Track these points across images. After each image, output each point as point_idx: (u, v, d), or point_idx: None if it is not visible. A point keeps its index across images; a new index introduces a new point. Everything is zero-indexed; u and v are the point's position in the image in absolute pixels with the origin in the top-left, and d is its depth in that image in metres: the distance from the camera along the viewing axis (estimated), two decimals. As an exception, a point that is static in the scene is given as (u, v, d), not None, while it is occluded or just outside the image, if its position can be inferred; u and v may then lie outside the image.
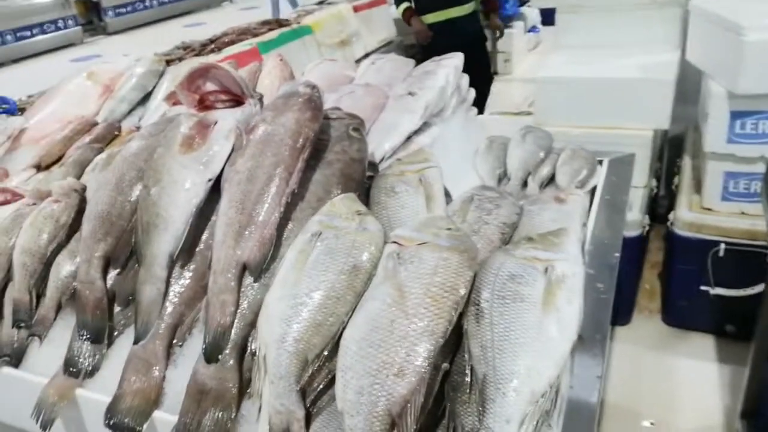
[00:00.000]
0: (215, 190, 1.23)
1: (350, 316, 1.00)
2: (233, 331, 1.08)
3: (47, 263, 1.29)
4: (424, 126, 1.67)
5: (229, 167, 1.23)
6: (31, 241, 1.28)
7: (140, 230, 1.21)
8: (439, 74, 1.74)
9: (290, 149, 1.21)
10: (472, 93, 1.94)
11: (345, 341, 0.96)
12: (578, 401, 0.99)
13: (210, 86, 1.38)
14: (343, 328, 0.99)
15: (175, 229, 1.18)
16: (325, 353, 0.99)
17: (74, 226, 1.33)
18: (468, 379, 0.87)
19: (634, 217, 2.68)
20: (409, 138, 1.62)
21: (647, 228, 2.75)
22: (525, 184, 1.73)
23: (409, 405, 0.85)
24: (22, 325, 1.26)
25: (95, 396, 1.15)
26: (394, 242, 1.08)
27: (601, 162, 1.83)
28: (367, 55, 4.24)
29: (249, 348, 1.09)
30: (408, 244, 1.05)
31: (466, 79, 1.89)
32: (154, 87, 2.22)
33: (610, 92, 2.71)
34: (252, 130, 1.27)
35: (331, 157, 1.31)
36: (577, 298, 0.92)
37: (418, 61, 1.94)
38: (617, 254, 1.45)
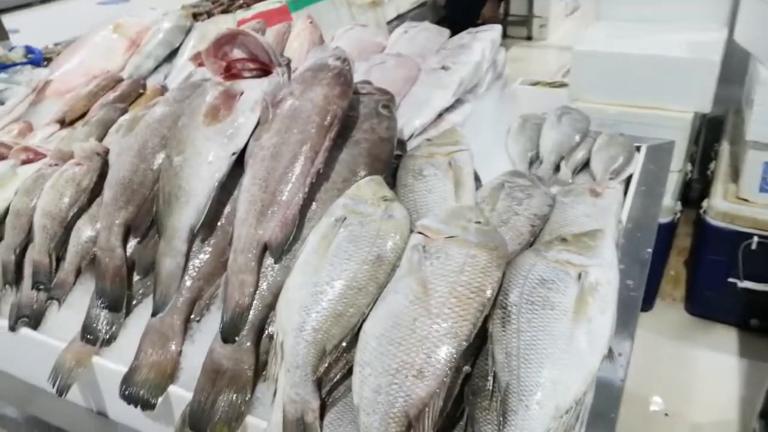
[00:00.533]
0: (239, 163, 1.20)
1: (371, 308, 0.97)
2: (251, 312, 1.07)
3: (68, 227, 1.28)
4: (457, 103, 1.61)
5: (254, 141, 1.19)
6: (52, 203, 1.27)
7: (161, 201, 1.19)
8: (475, 48, 1.67)
9: (317, 127, 1.16)
10: (509, 69, 1.86)
11: (365, 335, 0.93)
12: (599, 410, 0.96)
13: (237, 53, 1.33)
14: (363, 320, 0.97)
15: (197, 203, 1.15)
16: (344, 344, 0.97)
17: (96, 189, 1.31)
18: (490, 385, 0.85)
19: (666, 203, 2.60)
20: (440, 115, 1.57)
21: (679, 215, 2.67)
22: (557, 168, 1.67)
23: (427, 408, 0.83)
24: (41, 287, 1.26)
25: (111, 365, 1.15)
26: (420, 233, 1.04)
27: (638, 149, 1.76)
28: (399, 17, 4.11)
29: (266, 330, 1.08)
30: (434, 237, 1.01)
31: (502, 53, 1.81)
32: (181, 43, 2.16)
33: (651, 70, 2.59)
34: (279, 103, 1.22)
35: (359, 135, 1.26)
36: (611, 308, 0.88)
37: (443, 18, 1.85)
38: (650, 250, 1.40)
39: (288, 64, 1.78)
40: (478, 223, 1.03)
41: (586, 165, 1.67)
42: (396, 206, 1.08)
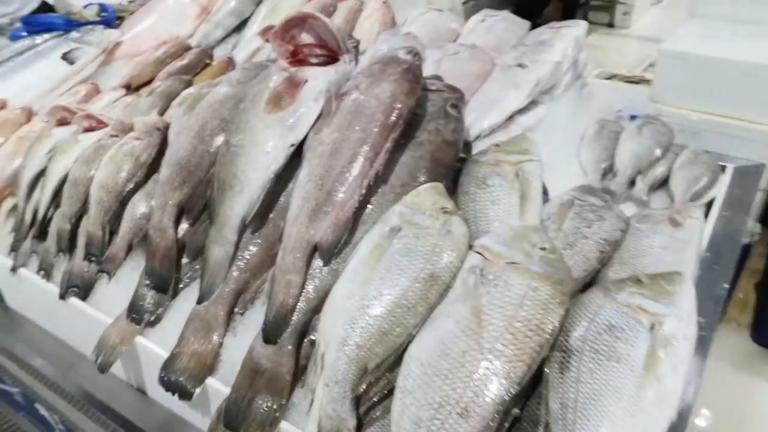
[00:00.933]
0: (297, 153, 1.16)
1: (419, 330, 0.92)
2: (295, 315, 1.03)
3: (123, 201, 1.28)
4: (530, 104, 1.51)
5: (314, 135, 1.14)
6: (109, 177, 1.26)
7: (216, 187, 1.16)
8: (556, 47, 1.55)
9: (380, 126, 1.10)
10: (589, 70, 1.73)
11: (409, 359, 0.88)
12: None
13: (305, 37, 1.27)
14: (410, 341, 0.91)
15: (251, 194, 1.12)
16: (387, 364, 0.92)
17: (154, 165, 1.30)
18: (540, 436, 0.78)
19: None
20: (511, 116, 1.47)
21: (757, 237, 2.48)
22: (632, 182, 1.55)
23: (468, 451, 0.78)
24: (93, 259, 1.26)
25: (154, 347, 1.14)
26: (479, 253, 0.97)
27: (723, 168, 1.61)
28: (476, -2, 3.94)
29: (309, 335, 1.04)
30: (494, 260, 0.94)
31: (585, 52, 1.69)
32: (251, 14, 2.12)
33: (746, 79, 2.37)
34: (343, 96, 1.17)
35: (423, 136, 1.19)
36: (684, 366, 0.79)
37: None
38: (727, 285, 1.29)
39: (356, 46, 1.73)
40: (543, 249, 0.96)
41: (664, 182, 1.54)
42: (456, 221, 1.02)
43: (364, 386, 0.92)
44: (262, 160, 1.12)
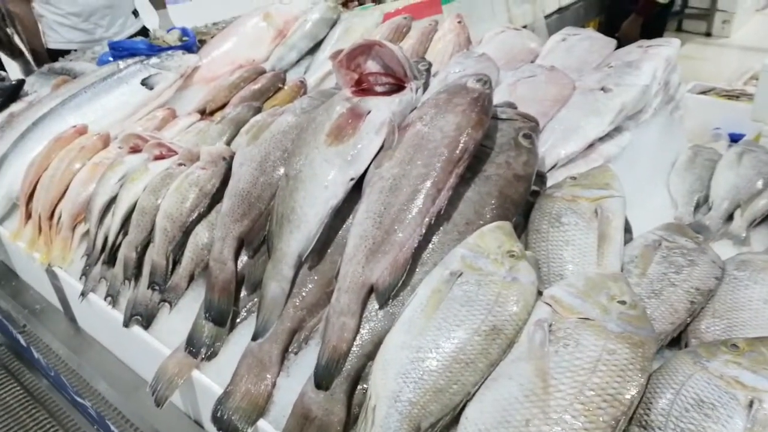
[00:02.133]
0: (358, 187, 1.11)
1: (478, 388, 0.84)
2: (348, 360, 0.98)
3: (187, 231, 1.28)
4: (614, 131, 1.39)
5: (374, 169, 1.09)
6: (174, 207, 1.27)
7: (275, 221, 1.13)
8: (644, 69, 1.43)
9: (444, 161, 1.03)
10: (683, 90, 1.58)
11: (467, 422, 0.80)
12: None
13: (371, 65, 1.23)
14: (468, 400, 0.83)
15: (308, 230, 1.08)
16: (442, 424, 0.84)
17: (218, 195, 1.29)
18: None
19: None
20: (591, 145, 1.36)
21: None
22: (730, 217, 1.40)
23: None
24: (157, 288, 1.27)
25: (208, 382, 1.12)
26: (548, 304, 0.88)
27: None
28: (560, 10, 3.79)
29: (362, 382, 0.98)
30: (565, 315, 0.85)
31: (677, 72, 1.54)
32: (325, 36, 2.12)
33: None
34: (407, 127, 1.11)
35: (491, 170, 1.11)
36: (790, 458, 0.67)
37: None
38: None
39: (428, 69, 1.68)
40: (623, 303, 0.85)
41: (767, 218, 1.38)
42: (523, 267, 0.93)
43: (417, 447, 0.84)
44: (321, 195, 1.08)
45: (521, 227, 1.16)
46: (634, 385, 0.75)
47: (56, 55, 2.82)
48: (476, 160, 1.11)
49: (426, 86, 1.61)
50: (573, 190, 1.14)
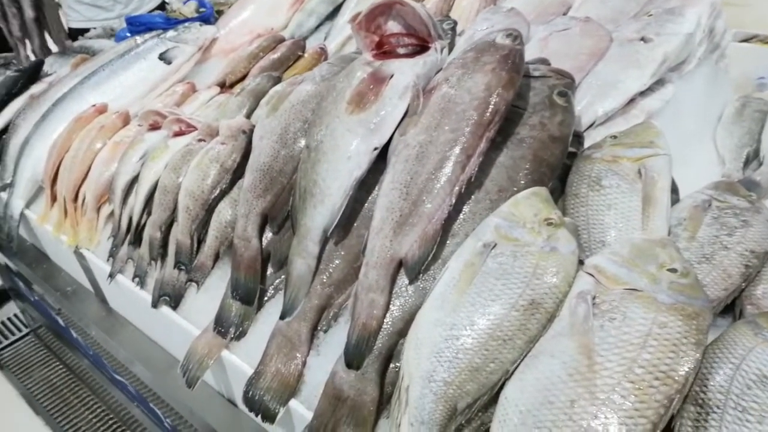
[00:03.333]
0: (383, 156, 1.05)
1: (517, 366, 0.79)
2: (379, 338, 0.94)
3: (209, 209, 1.24)
4: (656, 84, 1.30)
5: (399, 136, 1.03)
6: (195, 184, 1.23)
7: (297, 195, 1.08)
8: (688, 15, 1.32)
9: (474, 124, 0.97)
10: (728, 38, 1.47)
11: (506, 402, 0.76)
12: None
13: (393, 26, 1.16)
14: (507, 379, 0.79)
15: (332, 203, 1.03)
16: (480, 404, 0.80)
17: (239, 170, 1.25)
18: None
19: None
20: (632, 100, 1.27)
21: None
22: (784, 172, 1.30)
23: None
24: (183, 268, 1.24)
25: (239, 362, 1.10)
26: (590, 274, 0.82)
27: None
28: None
29: (395, 361, 0.94)
30: (610, 286, 0.79)
31: (722, 19, 1.43)
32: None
33: None
34: (431, 91, 1.04)
35: (524, 132, 1.04)
36: None
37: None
38: None
39: (453, 28, 1.59)
40: (674, 271, 0.79)
41: (825, 171, 1.28)
42: (562, 235, 0.86)
43: (454, 428, 0.80)
44: (344, 167, 1.02)
45: (558, 192, 1.09)
46: (688, 360, 0.69)
47: (77, 34, 2.80)
48: (508, 123, 1.04)
49: (452, 46, 1.53)
50: (614, 150, 1.07)
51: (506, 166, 1.00)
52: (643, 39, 1.30)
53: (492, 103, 0.97)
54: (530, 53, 1.39)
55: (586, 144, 1.16)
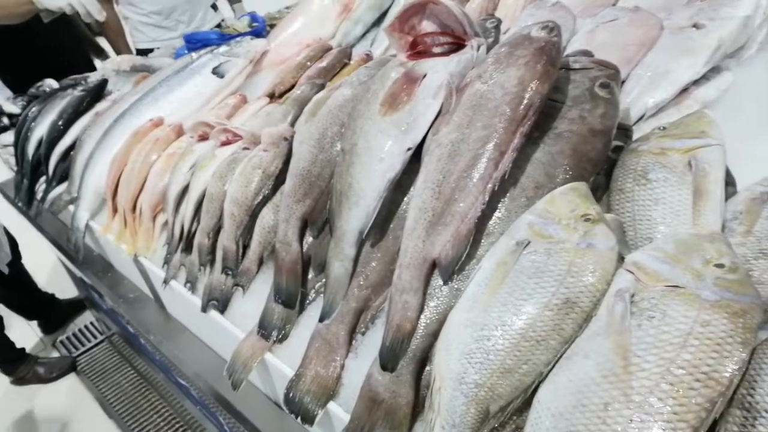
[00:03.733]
0: (419, 157, 1.04)
1: (551, 368, 0.75)
2: (413, 340, 0.92)
3: (253, 215, 1.27)
4: (711, 72, 1.22)
5: (432, 136, 1.01)
6: (239, 191, 1.26)
7: (334, 198, 1.09)
8: (746, -4, 1.24)
9: (507, 120, 0.94)
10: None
11: (539, 406, 0.73)
12: None
13: (427, 26, 1.15)
14: (540, 381, 0.76)
15: (366, 205, 1.03)
16: (513, 407, 0.77)
17: (282, 176, 1.27)
18: None
19: None
20: (685, 89, 1.20)
21: None
22: None
23: None
24: (229, 273, 1.27)
25: (280, 365, 1.12)
26: (630, 272, 0.77)
27: None
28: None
29: (429, 362, 0.93)
30: (650, 283, 0.74)
31: (788, -1, 1.33)
32: (390, 5, 2.04)
33: None
34: (464, 88, 1.02)
35: (563, 127, 1.00)
36: None
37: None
38: None
39: (497, 26, 1.56)
40: (720, 266, 0.73)
41: None
42: (600, 231, 0.82)
43: (486, 431, 0.78)
44: (378, 169, 1.02)
45: (603, 188, 1.05)
46: (733, 360, 0.64)
47: (143, 54, 2.95)
48: (545, 117, 1.01)
49: (496, 44, 1.50)
50: (662, 142, 1.01)
51: (543, 162, 0.97)
52: (695, 25, 1.23)
53: (526, 97, 0.94)
54: (576, 46, 1.35)
55: (635, 137, 1.11)
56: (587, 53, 1.16)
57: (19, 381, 2.83)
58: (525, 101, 0.94)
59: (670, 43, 1.24)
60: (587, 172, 0.97)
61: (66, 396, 2.75)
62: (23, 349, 2.87)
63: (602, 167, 1.02)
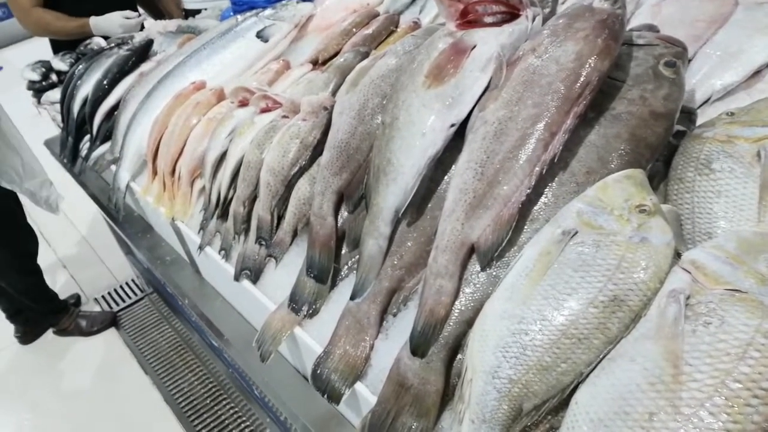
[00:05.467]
0: (461, 133, 0.99)
1: (592, 369, 0.70)
2: (446, 327, 0.88)
3: (289, 185, 1.24)
4: (789, 53, 1.12)
5: (478, 112, 0.95)
6: (276, 160, 1.23)
7: (371, 173, 1.05)
8: (837, -30, 1.12)
9: (560, 99, 0.87)
10: None
11: (576, 408, 0.68)
12: None
13: (479, -8, 1.08)
14: (580, 382, 0.71)
15: (405, 182, 0.99)
16: (548, 406, 0.73)
17: (320, 147, 1.24)
18: None
19: None
20: (758, 72, 1.10)
21: None
22: None
23: None
24: (263, 243, 1.25)
25: (309, 341, 1.10)
26: (686, 270, 0.71)
27: None
28: None
29: (462, 351, 0.89)
30: (708, 285, 0.68)
31: None
32: (442, -29, 1.95)
33: None
34: (516, 62, 0.96)
35: (621, 108, 0.93)
36: None
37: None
38: None
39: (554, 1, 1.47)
40: (789, 271, 0.66)
41: None
42: (656, 224, 0.76)
43: (518, 429, 0.74)
44: (418, 144, 0.97)
45: (661, 176, 0.97)
46: (800, 379, 0.57)
47: (192, 14, 2.93)
48: (603, 96, 0.94)
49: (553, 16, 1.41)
50: (729, 129, 0.93)
51: (597, 146, 0.90)
52: (776, 1, 1.12)
53: (583, 74, 0.87)
54: (639, 20, 1.25)
55: (699, 122, 1.03)
56: (652, 28, 1.07)
57: (61, 332, 2.93)
58: (582, 79, 0.87)
59: (744, 20, 1.14)
60: (645, 158, 0.90)
61: (105, 350, 2.84)
62: (66, 301, 2.96)
63: (661, 154, 0.94)
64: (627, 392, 0.64)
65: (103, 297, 3.13)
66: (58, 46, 2.69)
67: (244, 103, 1.45)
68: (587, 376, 0.70)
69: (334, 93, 1.43)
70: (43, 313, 2.86)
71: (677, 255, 0.77)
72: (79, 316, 2.94)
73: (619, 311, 0.71)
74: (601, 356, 0.70)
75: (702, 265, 0.70)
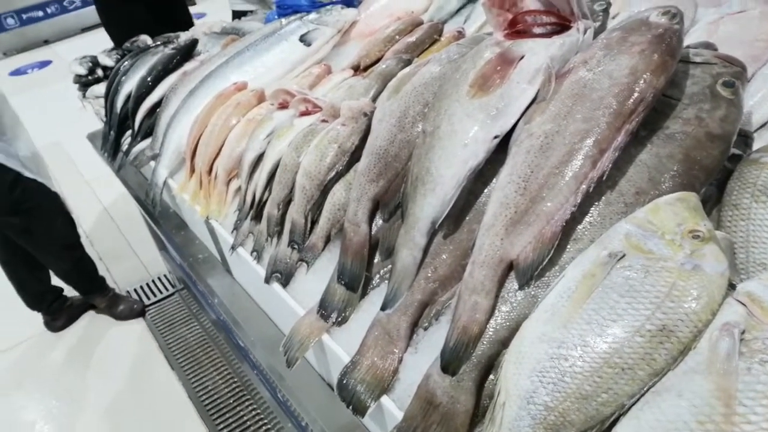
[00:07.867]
0: (504, 145, 0.96)
1: (636, 401, 0.66)
2: (479, 345, 0.85)
3: (325, 190, 1.22)
4: None
5: (524, 124, 0.92)
6: (313, 164, 1.22)
7: (409, 182, 1.03)
8: None
9: (612, 114, 0.84)
10: None
11: (616, 442, 0.64)
12: None
13: (529, 2, 1.05)
14: (621, 414, 0.67)
15: (443, 193, 0.96)
16: (585, 437, 0.69)
17: (357, 153, 1.22)
18: None
19: None
20: (822, 96, 1.05)
21: None
22: None
23: None
24: (296, 247, 1.24)
25: (337, 349, 1.08)
26: (741, 303, 0.67)
27: None
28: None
29: (495, 372, 0.85)
30: (766, 320, 0.63)
31: None
32: (490, -19, 1.92)
33: None
34: (566, 74, 0.92)
35: (676, 127, 0.88)
36: None
37: None
38: None
39: (606, 9, 1.43)
40: None
41: None
42: (710, 252, 0.72)
43: (552, 460, 0.70)
44: (459, 155, 0.94)
45: (714, 201, 0.93)
46: None
47: (239, 16, 2.97)
48: (656, 115, 0.90)
49: (603, 30, 1.37)
50: (791, 154, 0.88)
51: (648, 166, 0.86)
52: None
53: (637, 90, 0.84)
54: (695, 38, 1.21)
55: (756, 146, 0.98)
56: (710, 46, 1.02)
57: (91, 307, 3.01)
58: (635, 95, 0.83)
59: (810, 41, 1.08)
60: (699, 181, 0.86)
61: (134, 341, 2.87)
62: (104, 279, 3.01)
63: (715, 177, 0.90)
64: (674, 428, 0.60)
65: (135, 290, 3.17)
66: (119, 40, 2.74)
67: (283, 106, 1.45)
68: (629, 408, 0.66)
69: (374, 99, 1.41)
70: (85, 291, 2.94)
71: (731, 286, 0.73)
72: (111, 297, 3.00)
73: (668, 342, 0.67)
74: (645, 388, 0.66)
75: (759, 298, 0.65)
